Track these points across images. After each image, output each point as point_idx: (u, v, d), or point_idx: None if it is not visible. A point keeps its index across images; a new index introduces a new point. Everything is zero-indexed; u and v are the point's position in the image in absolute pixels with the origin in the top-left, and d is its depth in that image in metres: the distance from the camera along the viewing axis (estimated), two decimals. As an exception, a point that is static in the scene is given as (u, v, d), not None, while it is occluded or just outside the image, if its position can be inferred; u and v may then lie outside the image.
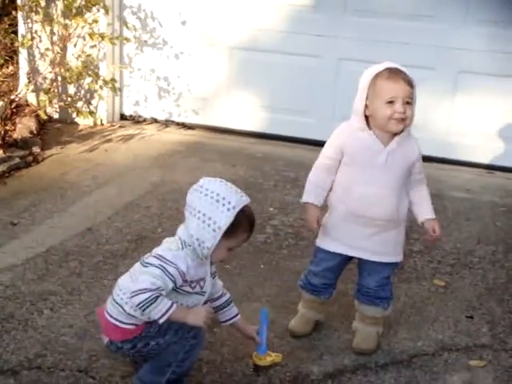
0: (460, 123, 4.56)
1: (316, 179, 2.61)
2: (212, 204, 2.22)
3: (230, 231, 2.23)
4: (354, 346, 2.69)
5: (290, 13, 4.70)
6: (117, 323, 2.28)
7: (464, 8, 4.40)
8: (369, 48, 4.47)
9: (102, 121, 5.01)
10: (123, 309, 2.27)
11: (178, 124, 5.07)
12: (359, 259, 2.66)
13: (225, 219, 2.21)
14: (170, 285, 2.20)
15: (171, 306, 2.18)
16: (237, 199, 2.25)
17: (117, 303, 2.29)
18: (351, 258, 2.67)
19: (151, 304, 2.15)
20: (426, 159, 4.53)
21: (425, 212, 2.63)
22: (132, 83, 5.07)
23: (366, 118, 2.52)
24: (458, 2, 4.40)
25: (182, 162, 4.46)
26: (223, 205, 2.22)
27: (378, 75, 2.47)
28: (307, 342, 2.74)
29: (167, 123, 5.08)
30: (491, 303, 3.07)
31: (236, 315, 2.54)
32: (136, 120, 5.12)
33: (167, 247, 2.29)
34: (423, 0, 4.50)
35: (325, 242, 2.66)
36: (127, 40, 4.83)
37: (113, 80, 4.69)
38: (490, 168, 4.56)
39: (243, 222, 2.26)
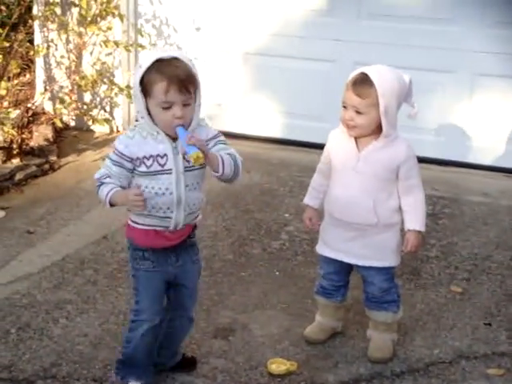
0: (477, 126, 4.51)
1: (313, 182, 2.74)
2: (136, 73, 2.24)
3: (148, 88, 2.19)
4: (369, 355, 2.67)
5: (305, 18, 4.69)
6: None
7: (480, 10, 4.36)
8: (385, 52, 4.44)
9: (117, 128, 5.02)
10: None
11: (193, 130, 5.06)
12: (354, 265, 2.67)
13: (134, 79, 2.22)
14: (114, 168, 2.26)
15: (109, 191, 2.25)
16: (147, 57, 2.23)
17: None
18: None
19: (97, 192, 2.29)
20: (443, 163, 4.58)
21: (408, 222, 2.57)
22: (147, 90, 5.07)
23: None
24: (474, 5, 4.36)
25: (198, 169, 4.45)
26: (138, 67, 2.24)
27: (349, 78, 2.51)
28: (322, 350, 2.73)
29: (183, 129, 5.07)
30: (510, 310, 3.03)
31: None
32: (151, 127, 5.12)
33: None
34: (439, 3, 4.46)
35: (319, 246, 2.74)
36: (142, 47, 4.84)
37: (128, 87, 4.71)
38: (508, 171, 4.50)
39: (152, 74, 2.18)
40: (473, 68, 4.43)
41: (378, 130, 2.51)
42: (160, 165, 2.26)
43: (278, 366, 2.59)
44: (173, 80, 2.17)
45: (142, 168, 2.26)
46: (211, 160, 2.21)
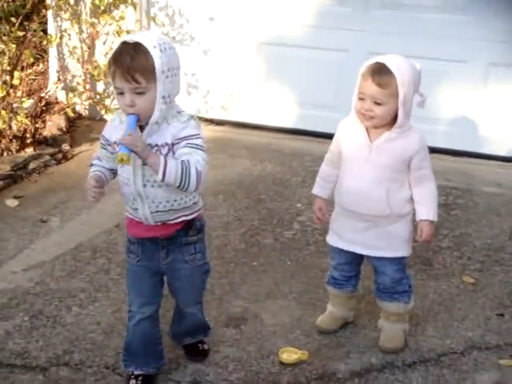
0: (491, 116, 4.48)
1: (321, 172, 2.72)
2: None
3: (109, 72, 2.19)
4: (381, 345, 2.67)
5: (318, 7, 4.67)
6: None
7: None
8: (398, 41, 4.41)
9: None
10: None
11: (206, 120, 5.06)
12: (365, 255, 2.66)
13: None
14: (99, 150, 2.34)
15: (90, 173, 2.31)
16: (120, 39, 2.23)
17: None
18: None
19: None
20: (457, 153, 4.56)
21: (421, 212, 2.55)
22: (160, 80, 5.07)
23: None
24: (489, -7, 4.33)
25: (210, 159, 4.35)
26: None
27: (364, 68, 2.46)
28: (334, 339, 2.73)
29: (195, 119, 5.08)
30: (522, 301, 3.02)
31: None
32: (164, 116, 5.13)
33: None
34: (452, -8, 4.43)
35: (329, 237, 2.73)
36: (155, 37, 4.84)
37: (141, 77, 4.71)
38: (522, 162, 4.47)
39: (111, 57, 2.16)
40: (487, 58, 4.39)
41: (391, 120, 2.49)
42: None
43: (289, 355, 2.59)
44: (118, 66, 2.11)
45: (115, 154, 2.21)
46: (150, 164, 2.13)
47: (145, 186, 2.21)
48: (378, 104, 2.44)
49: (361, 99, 2.47)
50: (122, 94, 2.14)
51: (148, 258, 2.35)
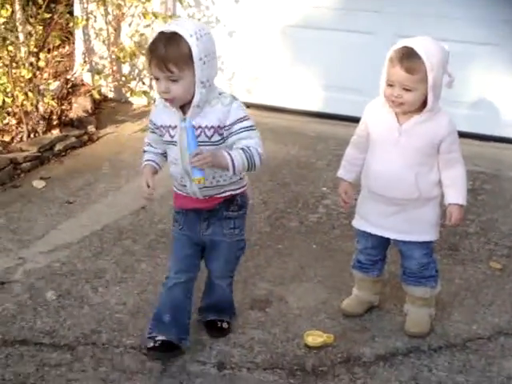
0: (519, 101, 4.42)
1: (347, 155, 2.70)
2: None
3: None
4: (406, 329, 2.66)
5: (344, -11, 4.62)
6: None
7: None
8: (425, 23, 4.34)
9: (155, 100, 5.03)
10: None
11: (230, 103, 5.05)
12: (391, 239, 2.64)
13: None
14: (150, 135, 2.47)
15: (143, 163, 2.48)
16: (157, 29, 2.37)
17: None
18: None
19: None
20: (485, 138, 4.50)
21: (450, 196, 2.54)
22: (185, 62, 5.07)
23: None
24: (520, -25, 4.24)
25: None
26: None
27: (392, 52, 2.42)
28: (359, 323, 2.72)
29: (220, 102, 5.07)
30: (550, 287, 2.99)
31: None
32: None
33: None
34: (483, -27, 4.35)
35: (356, 221, 2.71)
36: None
37: (166, 59, 4.71)
38: (551, 147, 4.41)
39: (149, 46, 2.26)
40: (517, 40, 4.32)
41: (421, 104, 2.47)
42: (170, 136, 2.37)
43: (315, 338, 2.59)
44: (154, 56, 2.22)
45: (159, 137, 2.42)
46: (219, 166, 2.27)
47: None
48: (407, 90, 2.41)
49: (390, 85, 2.43)
50: (158, 79, 2.26)
51: (190, 228, 2.48)
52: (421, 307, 2.68)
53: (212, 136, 2.30)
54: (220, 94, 2.33)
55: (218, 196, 2.42)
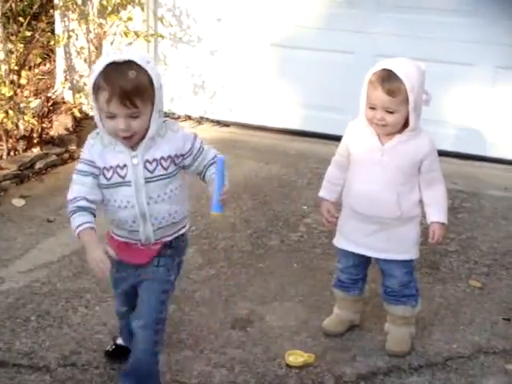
0: (498, 120, 4.47)
1: (329, 175, 2.71)
2: (90, 77, 2.14)
3: (96, 94, 2.05)
4: (387, 348, 2.66)
5: (325, 9, 4.67)
6: None
7: (501, 2, 4.31)
8: (405, 44, 4.40)
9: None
10: None
11: (212, 121, 5.07)
12: (373, 258, 2.65)
13: (89, 83, 2.10)
14: (87, 180, 2.12)
15: (77, 227, 2.08)
16: (101, 59, 2.08)
17: None
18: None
19: (69, 218, 2.12)
20: (464, 157, 4.54)
21: (432, 214, 2.57)
22: (166, 80, 5.08)
23: None
24: (497, -3, 4.32)
25: (216, 160, 4.45)
26: (92, 71, 2.11)
27: (372, 75, 2.44)
28: (340, 342, 2.72)
29: (202, 120, 5.09)
30: (529, 305, 3.01)
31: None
32: (170, 117, 5.13)
33: None
34: (460, -6, 4.42)
35: (338, 240, 2.71)
36: (162, 37, 4.85)
37: (148, 77, 4.71)
38: (529, 166, 4.46)
39: (100, 79, 2.02)
40: (494, 61, 4.38)
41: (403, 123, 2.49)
42: (120, 176, 2.14)
43: (296, 357, 2.59)
44: (115, 91, 1.99)
45: (102, 180, 2.15)
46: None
47: (148, 203, 2.17)
48: (389, 112, 2.44)
49: (372, 108, 2.46)
50: (113, 117, 2.05)
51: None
52: (401, 326, 2.69)
53: (168, 167, 2.16)
54: (164, 122, 2.17)
55: (169, 238, 2.26)
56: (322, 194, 2.71)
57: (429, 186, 2.56)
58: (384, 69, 2.43)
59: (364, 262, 2.70)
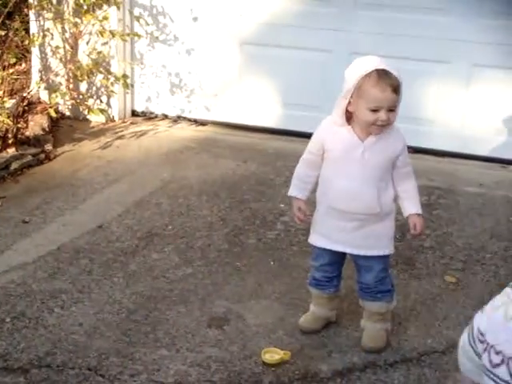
0: (474, 117, 4.51)
1: (300, 173, 2.69)
2: None
3: None
4: (363, 344, 2.68)
5: (301, 7, 4.67)
6: None
7: (477, 0, 4.35)
8: (381, 42, 4.43)
9: (113, 117, 5.01)
10: None
11: (189, 120, 5.06)
12: (350, 255, 2.67)
13: None
14: None
15: None
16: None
17: None
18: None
19: None
20: (440, 154, 4.58)
21: (409, 207, 2.62)
22: (143, 80, 5.06)
23: (347, 112, 2.51)
24: (471, -5, 4.35)
25: (194, 159, 4.46)
26: None
27: (366, 77, 2.43)
28: (316, 339, 2.73)
29: (179, 119, 5.07)
30: (503, 300, 3.04)
31: None
32: (148, 116, 5.12)
33: None
34: (436, -8, 4.45)
35: (314, 238, 2.71)
36: (138, 36, 4.83)
37: (125, 76, 4.70)
38: (504, 162, 4.50)
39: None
40: (469, 58, 4.42)
41: None
42: None
43: (272, 355, 2.59)
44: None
45: None
46: None
47: None
48: (391, 111, 2.46)
49: (374, 111, 2.44)
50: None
51: None
52: (377, 322, 2.70)
53: None
54: None
55: None
56: (293, 192, 2.69)
57: (404, 180, 2.61)
58: (377, 69, 2.43)
59: (340, 259, 2.71)
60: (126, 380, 2.47)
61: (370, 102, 2.44)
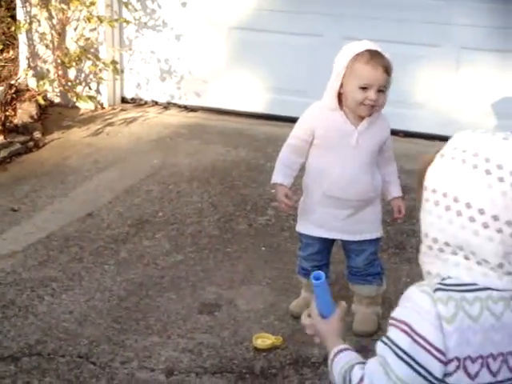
0: (463, 100, 4.50)
1: (285, 160, 2.61)
2: None
3: None
4: (354, 329, 2.68)
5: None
6: None
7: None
8: (371, 26, 4.40)
9: (102, 104, 4.98)
10: None
11: (179, 106, 5.03)
12: (342, 241, 2.66)
13: None
14: None
15: None
16: None
17: None
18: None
19: None
20: (429, 137, 4.57)
21: (393, 190, 2.66)
22: (132, 66, 5.03)
23: (339, 96, 2.49)
24: (461, -23, 4.33)
25: (184, 145, 4.44)
26: None
27: (357, 56, 2.42)
28: (308, 324, 2.73)
29: (169, 106, 5.04)
30: (494, 282, 3.05)
31: None
32: (137, 103, 5.09)
33: None
34: (425, -24, 4.42)
35: (303, 227, 2.67)
36: (127, 22, 4.79)
37: (114, 62, 4.66)
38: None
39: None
40: (458, 42, 4.41)
41: None
42: None
43: (264, 340, 2.60)
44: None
45: None
46: None
47: None
48: (381, 91, 2.44)
49: (363, 89, 2.42)
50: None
51: None
52: (368, 306, 2.70)
53: None
54: None
55: None
56: (278, 179, 2.60)
57: (387, 163, 2.64)
58: (369, 49, 2.42)
59: (328, 247, 2.70)
60: (117, 367, 2.47)
61: (360, 78, 2.41)
